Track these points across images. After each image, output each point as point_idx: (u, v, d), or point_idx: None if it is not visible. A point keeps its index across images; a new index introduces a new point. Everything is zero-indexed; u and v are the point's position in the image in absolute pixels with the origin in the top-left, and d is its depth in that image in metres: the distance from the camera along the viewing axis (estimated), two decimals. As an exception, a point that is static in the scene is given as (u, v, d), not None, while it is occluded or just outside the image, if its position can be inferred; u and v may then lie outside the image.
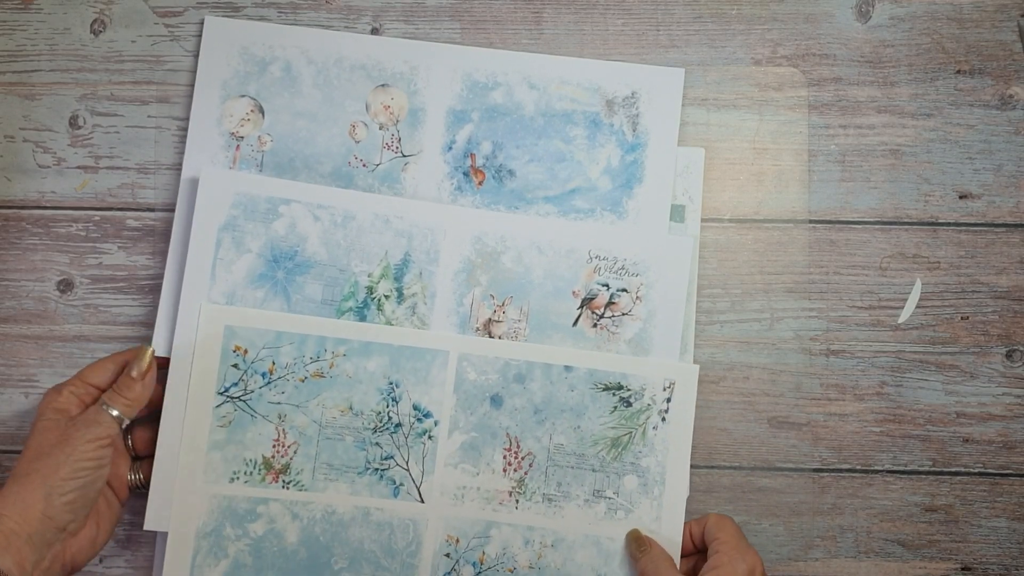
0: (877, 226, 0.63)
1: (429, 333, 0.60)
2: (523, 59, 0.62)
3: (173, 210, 0.61)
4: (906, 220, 0.63)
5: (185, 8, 0.63)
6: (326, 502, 0.59)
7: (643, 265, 0.61)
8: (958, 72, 0.63)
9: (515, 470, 0.60)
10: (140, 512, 0.61)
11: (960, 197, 0.63)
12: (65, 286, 0.63)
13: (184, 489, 0.58)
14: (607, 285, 0.60)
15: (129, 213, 0.63)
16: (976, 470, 0.62)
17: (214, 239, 0.59)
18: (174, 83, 0.63)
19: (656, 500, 0.60)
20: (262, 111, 0.61)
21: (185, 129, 0.62)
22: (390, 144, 0.62)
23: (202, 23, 0.62)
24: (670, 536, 0.59)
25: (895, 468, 0.62)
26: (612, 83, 0.62)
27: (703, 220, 0.62)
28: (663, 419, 0.60)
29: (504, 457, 0.60)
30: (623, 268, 0.61)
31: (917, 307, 0.62)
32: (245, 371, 0.59)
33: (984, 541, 0.62)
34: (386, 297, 0.60)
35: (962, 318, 0.62)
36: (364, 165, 0.61)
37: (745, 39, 0.63)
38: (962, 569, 0.62)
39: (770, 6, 0.63)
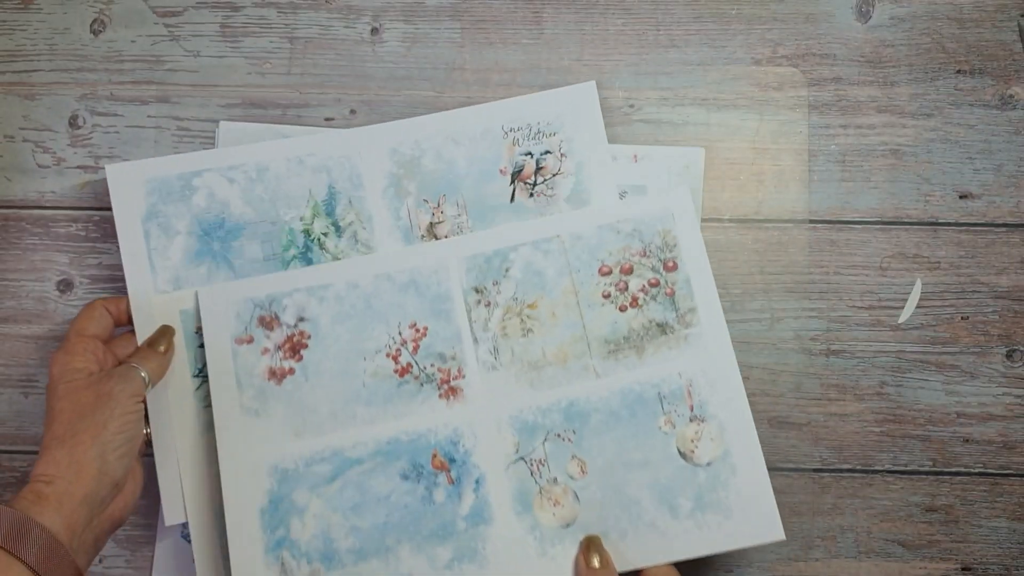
0: (877, 226, 0.63)
1: (416, 248, 0.60)
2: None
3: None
4: (906, 220, 0.63)
5: (185, 8, 0.63)
6: (346, 278, 0.59)
7: (557, 123, 0.61)
8: (958, 72, 0.63)
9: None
10: (140, 512, 0.61)
11: (960, 197, 0.63)
12: (65, 286, 0.63)
13: (190, 476, 0.58)
14: (530, 153, 0.61)
15: (129, 213, 0.63)
16: (976, 470, 0.62)
17: (141, 231, 0.60)
18: (174, 83, 0.63)
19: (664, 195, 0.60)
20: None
21: (185, 128, 0.62)
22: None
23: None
24: (688, 234, 0.60)
25: (895, 468, 0.62)
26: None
27: (703, 220, 0.62)
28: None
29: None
30: (539, 132, 0.61)
31: (917, 307, 0.62)
32: None
33: (984, 541, 0.62)
34: (324, 235, 0.60)
35: (962, 318, 0.62)
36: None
37: (745, 39, 0.63)
38: (962, 569, 0.62)
39: (770, 6, 0.63)
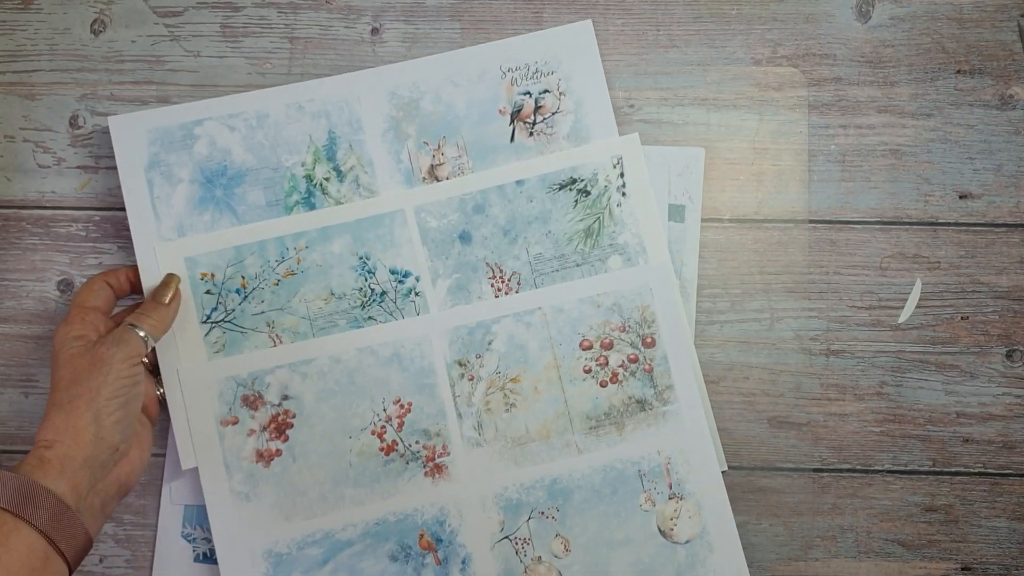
0: (877, 226, 0.63)
1: (378, 199, 0.60)
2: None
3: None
4: (906, 220, 0.63)
5: (185, 8, 0.63)
6: (329, 353, 0.59)
7: (554, 61, 0.62)
8: (958, 72, 0.63)
9: (505, 293, 0.60)
10: (140, 512, 0.61)
11: (960, 197, 0.63)
12: (65, 286, 0.63)
13: (199, 423, 0.58)
14: (528, 93, 0.62)
15: (129, 213, 0.63)
16: (976, 470, 0.62)
17: (144, 181, 0.60)
18: (174, 83, 0.63)
19: (643, 268, 0.61)
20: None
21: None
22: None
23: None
24: (666, 309, 0.60)
25: (895, 468, 0.62)
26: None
27: (703, 220, 0.62)
28: (623, 194, 0.61)
29: (492, 285, 0.60)
30: (537, 71, 0.62)
31: (917, 307, 0.62)
32: (219, 293, 0.59)
33: (984, 541, 0.62)
34: (326, 180, 0.61)
35: (962, 318, 0.62)
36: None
37: (745, 39, 0.63)
38: (962, 569, 0.62)
39: (770, 6, 0.63)
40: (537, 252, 0.60)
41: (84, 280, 0.63)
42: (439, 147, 0.61)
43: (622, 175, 0.61)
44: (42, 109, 0.63)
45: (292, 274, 0.60)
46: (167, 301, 0.57)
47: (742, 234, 0.63)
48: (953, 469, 0.62)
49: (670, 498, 0.59)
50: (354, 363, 0.59)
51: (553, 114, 0.61)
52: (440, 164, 0.61)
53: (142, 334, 0.55)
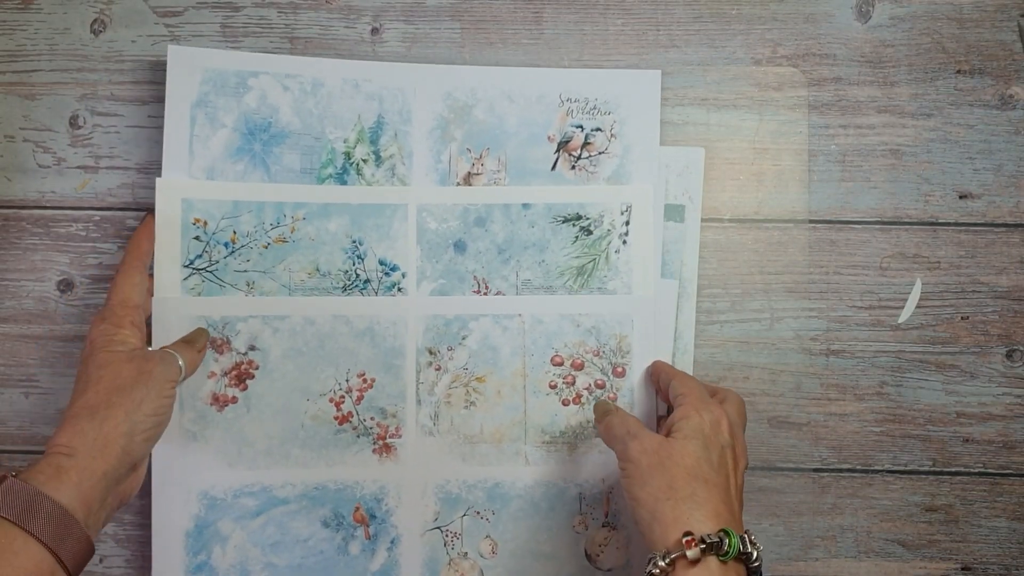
0: (877, 226, 0.63)
1: (385, 188, 0.60)
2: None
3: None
4: (906, 220, 0.63)
5: (185, 8, 0.63)
6: (304, 313, 0.59)
7: (614, 103, 0.61)
8: (958, 72, 0.63)
9: None
10: (140, 512, 0.61)
11: (960, 197, 0.63)
12: (65, 286, 0.63)
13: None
14: (581, 126, 0.61)
15: (129, 213, 0.63)
16: (976, 470, 0.62)
17: (188, 116, 0.60)
18: (174, 83, 0.63)
19: (629, 298, 0.61)
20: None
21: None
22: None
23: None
24: (642, 343, 0.60)
25: (895, 468, 0.62)
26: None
27: (703, 220, 0.62)
28: (624, 242, 0.60)
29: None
30: (595, 108, 0.61)
31: (917, 307, 0.62)
32: (207, 242, 0.59)
33: (984, 541, 0.62)
34: (364, 161, 0.61)
35: (962, 318, 0.62)
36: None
37: (745, 39, 0.63)
38: (962, 569, 0.62)
39: (770, 6, 0.63)
40: (526, 278, 0.60)
41: (84, 280, 0.63)
42: (481, 157, 0.61)
43: (627, 223, 0.61)
44: (42, 109, 0.63)
45: (283, 241, 0.60)
46: (198, 350, 0.57)
47: (742, 234, 0.63)
48: (953, 469, 0.62)
49: (603, 525, 0.60)
50: (327, 329, 0.60)
51: (600, 153, 0.61)
52: (478, 174, 0.61)
53: (180, 363, 0.54)
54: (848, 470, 0.62)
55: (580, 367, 0.60)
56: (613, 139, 0.61)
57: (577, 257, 0.60)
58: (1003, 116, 0.63)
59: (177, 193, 0.59)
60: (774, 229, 0.63)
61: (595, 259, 0.60)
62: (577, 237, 0.61)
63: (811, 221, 0.63)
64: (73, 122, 0.63)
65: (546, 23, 0.63)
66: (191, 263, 0.59)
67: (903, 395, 0.62)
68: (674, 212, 0.62)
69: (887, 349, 0.62)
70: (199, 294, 0.59)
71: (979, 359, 0.62)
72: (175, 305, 0.58)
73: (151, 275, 0.59)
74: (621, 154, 0.61)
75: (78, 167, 0.63)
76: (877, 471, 0.62)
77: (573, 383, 0.60)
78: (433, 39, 0.63)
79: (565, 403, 0.60)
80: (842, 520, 0.62)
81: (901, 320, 0.62)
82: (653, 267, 0.61)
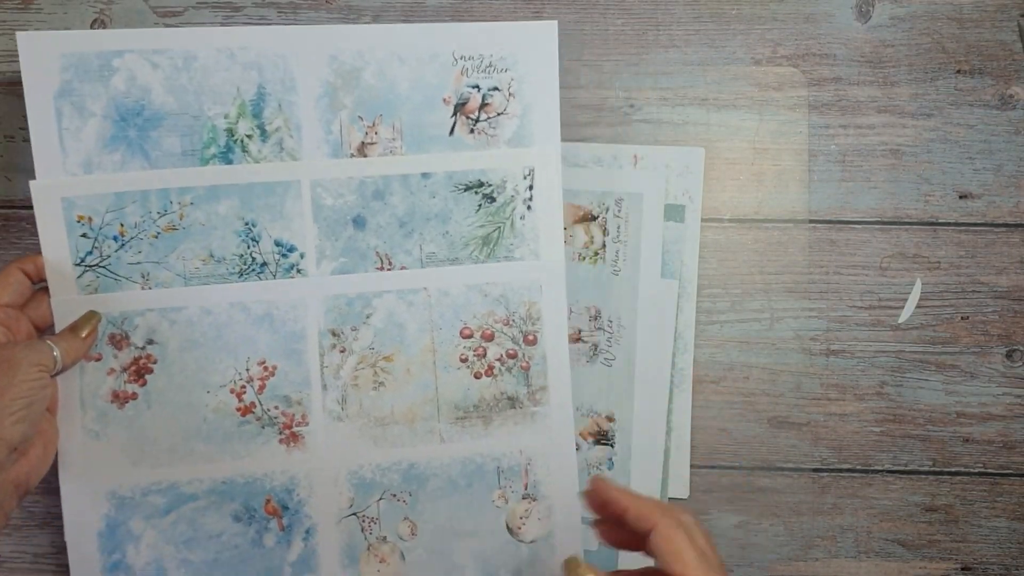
0: (877, 226, 0.63)
1: (274, 165, 0.58)
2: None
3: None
4: (906, 220, 0.63)
5: (185, 8, 0.63)
6: (201, 304, 0.58)
7: (511, 59, 0.58)
8: (958, 72, 0.63)
9: None
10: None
11: (960, 197, 0.63)
12: (65, 286, 0.63)
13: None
14: (477, 86, 0.59)
15: (129, 213, 0.63)
16: (976, 470, 0.62)
17: (52, 109, 0.57)
18: (174, 83, 0.63)
19: (536, 264, 0.60)
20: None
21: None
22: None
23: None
24: (553, 309, 0.59)
25: (895, 468, 0.62)
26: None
27: (703, 220, 0.62)
28: (528, 207, 0.59)
29: None
30: (490, 65, 0.58)
31: (917, 307, 0.62)
32: (95, 238, 0.58)
33: (984, 541, 0.62)
34: (248, 137, 0.58)
35: (962, 318, 0.62)
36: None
37: (745, 39, 0.63)
38: (962, 569, 0.62)
39: (770, 6, 0.63)
40: (431, 251, 0.59)
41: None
42: (374, 125, 0.58)
43: (531, 187, 0.59)
44: (42, 109, 0.63)
45: (173, 229, 0.58)
46: (83, 336, 0.56)
47: (742, 234, 0.63)
48: (953, 469, 0.62)
49: (523, 498, 0.60)
50: (224, 317, 0.58)
51: (499, 114, 0.59)
52: (372, 143, 0.58)
53: (56, 353, 0.54)
54: (848, 470, 0.62)
55: (490, 338, 0.59)
56: (512, 98, 0.59)
57: (481, 226, 0.59)
58: (1003, 116, 0.63)
59: (55, 193, 0.57)
60: (774, 229, 0.63)
61: (500, 227, 0.59)
62: (480, 205, 0.59)
63: (811, 221, 0.63)
64: (73, 122, 0.63)
65: (546, 23, 0.63)
66: (82, 261, 0.58)
67: (903, 395, 0.62)
68: (674, 212, 0.62)
69: (887, 349, 0.62)
70: (95, 290, 0.58)
71: (979, 359, 0.62)
72: (73, 305, 0.57)
73: (44, 287, 0.58)
74: (521, 114, 0.59)
75: (78, 167, 0.63)
76: (877, 471, 0.62)
77: (484, 354, 0.60)
78: (433, 39, 0.63)
79: (477, 376, 0.60)
80: (842, 520, 0.62)
81: (901, 320, 0.62)
82: (559, 231, 0.59)
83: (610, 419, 0.62)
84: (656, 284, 0.61)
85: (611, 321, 0.62)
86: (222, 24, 0.63)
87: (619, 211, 0.62)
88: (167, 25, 0.63)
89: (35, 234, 0.63)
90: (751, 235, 0.63)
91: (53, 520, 0.62)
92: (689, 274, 0.62)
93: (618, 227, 0.62)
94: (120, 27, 0.63)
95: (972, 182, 0.63)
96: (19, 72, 0.63)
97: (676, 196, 0.62)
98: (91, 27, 0.63)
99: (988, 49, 0.63)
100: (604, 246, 0.62)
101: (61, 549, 0.62)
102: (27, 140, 0.63)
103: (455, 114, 0.59)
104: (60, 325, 0.57)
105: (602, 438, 0.62)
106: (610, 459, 0.61)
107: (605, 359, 0.62)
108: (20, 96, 0.63)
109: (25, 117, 0.63)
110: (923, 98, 0.63)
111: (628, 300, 0.62)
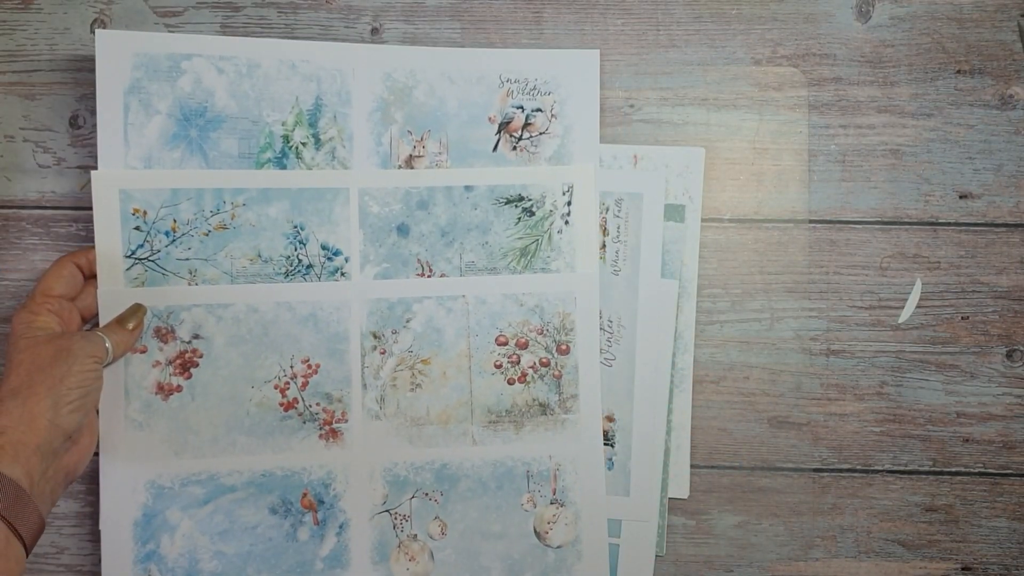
0: (877, 226, 0.63)
1: (326, 172, 0.60)
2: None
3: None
4: (906, 220, 0.63)
5: (185, 8, 0.63)
6: (247, 301, 0.59)
7: (554, 83, 0.61)
8: (958, 72, 0.63)
9: None
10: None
11: (960, 197, 0.63)
12: (65, 286, 0.63)
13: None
14: (521, 107, 0.61)
15: (129, 213, 0.63)
16: (976, 470, 0.62)
17: (121, 104, 0.59)
18: (174, 83, 0.63)
19: (571, 276, 0.61)
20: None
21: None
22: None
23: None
24: (586, 320, 0.60)
25: (895, 468, 0.62)
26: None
27: (703, 220, 0.62)
28: (566, 222, 0.61)
29: None
30: (535, 88, 0.61)
31: (917, 307, 0.62)
32: (148, 232, 0.59)
33: (984, 541, 0.62)
34: (303, 144, 0.60)
35: (962, 318, 0.62)
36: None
37: (745, 39, 0.63)
38: (962, 569, 0.62)
39: (770, 6, 0.63)
40: (470, 260, 0.61)
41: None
42: (422, 139, 0.61)
43: (569, 203, 0.61)
44: (42, 109, 0.63)
45: (224, 228, 0.60)
46: (130, 328, 0.57)
47: (742, 234, 0.63)
48: (953, 469, 0.62)
49: (551, 503, 0.60)
50: (270, 316, 0.60)
51: (540, 134, 0.61)
52: (419, 156, 0.61)
53: (108, 345, 0.55)
54: (848, 470, 0.62)
55: (524, 346, 0.61)
56: (554, 119, 0.61)
57: (520, 238, 0.61)
58: (1003, 116, 0.63)
59: (114, 184, 0.59)
60: (774, 229, 0.63)
61: (538, 240, 0.61)
62: (520, 218, 0.61)
63: (811, 221, 0.63)
64: (73, 122, 0.63)
65: (546, 23, 0.63)
66: (132, 253, 0.59)
67: (903, 395, 0.62)
68: (674, 212, 0.62)
69: (887, 349, 0.62)
70: (142, 284, 0.59)
71: (979, 359, 0.62)
72: (119, 296, 0.58)
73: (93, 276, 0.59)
74: (562, 134, 0.61)
75: (78, 167, 0.63)
76: (877, 471, 0.62)
77: (518, 362, 0.61)
78: (433, 39, 0.63)
79: (511, 382, 0.61)
80: (842, 520, 0.62)
81: (901, 320, 0.62)
82: (595, 246, 0.61)
83: (610, 419, 0.62)
84: (656, 284, 0.61)
85: (611, 321, 0.62)
86: (222, 24, 0.63)
87: (619, 211, 0.62)
88: (167, 25, 0.63)
89: (35, 234, 0.63)
90: (751, 235, 0.63)
91: (56, 518, 0.62)
92: (689, 274, 0.62)
93: (618, 227, 0.62)
94: (120, 27, 0.63)
95: (972, 182, 0.63)
96: (19, 72, 0.63)
97: (676, 196, 0.62)
98: (91, 27, 0.63)
99: (988, 49, 0.63)
100: (604, 246, 0.62)
101: (62, 549, 0.62)
102: (27, 140, 0.63)
103: (499, 132, 0.61)
104: (105, 316, 0.58)
105: (602, 438, 0.62)
106: (610, 459, 0.62)
107: (605, 359, 0.62)
108: (20, 96, 0.63)
109: (25, 118, 0.63)
110: (923, 98, 0.63)
111: (628, 300, 0.62)
